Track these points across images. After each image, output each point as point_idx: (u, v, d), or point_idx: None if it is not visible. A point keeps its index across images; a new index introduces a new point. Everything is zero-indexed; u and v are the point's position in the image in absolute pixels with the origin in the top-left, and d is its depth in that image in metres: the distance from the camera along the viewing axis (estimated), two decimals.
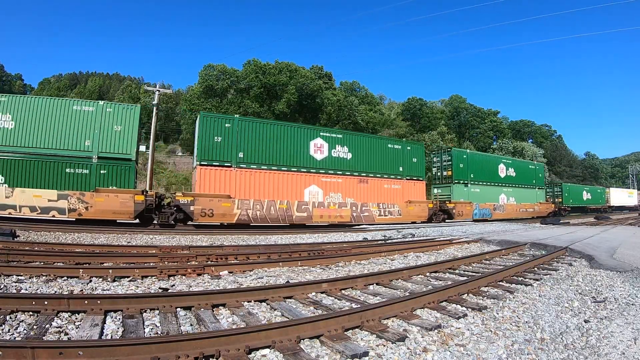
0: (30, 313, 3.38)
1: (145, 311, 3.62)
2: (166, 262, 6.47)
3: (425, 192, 21.57)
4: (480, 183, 24.44)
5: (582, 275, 6.17)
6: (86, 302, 3.54)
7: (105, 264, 6.13)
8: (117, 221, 13.85)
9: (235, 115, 17.72)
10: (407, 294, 4.45)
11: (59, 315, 3.38)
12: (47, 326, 3.10)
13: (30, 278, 4.86)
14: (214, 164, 15.26)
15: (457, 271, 6.54)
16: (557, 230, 15.69)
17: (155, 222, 14.41)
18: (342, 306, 4.14)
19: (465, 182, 23.45)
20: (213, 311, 3.73)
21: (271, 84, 42.13)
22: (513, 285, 5.37)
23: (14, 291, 4.31)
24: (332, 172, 17.61)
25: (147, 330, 3.20)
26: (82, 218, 13.09)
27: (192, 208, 14.30)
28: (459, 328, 3.48)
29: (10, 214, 12.71)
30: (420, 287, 5.20)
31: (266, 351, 2.79)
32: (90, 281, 4.91)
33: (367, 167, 18.68)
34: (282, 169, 16.52)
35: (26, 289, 4.40)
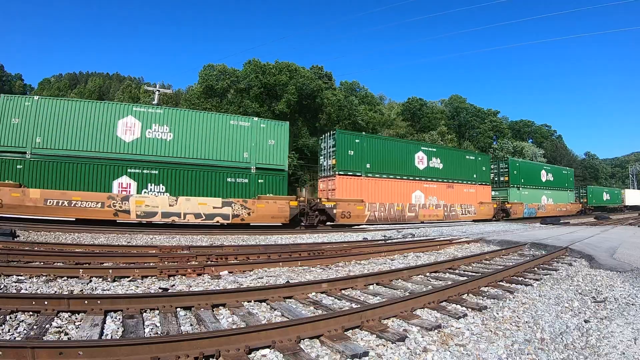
0: (30, 313, 3.38)
1: (145, 311, 3.62)
2: (166, 262, 6.46)
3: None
4: (528, 187, 28.87)
5: (582, 275, 6.18)
6: (86, 302, 3.54)
7: (105, 264, 6.13)
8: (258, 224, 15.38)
9: (362, 133, 22.00)
10: (407, 294, 4.45)
11: (59, 315, 3.38)
12: (47, 326, 3.10)
13: (30, 278, 4.86)
14: (348, 173, 18.11)
15: (457, 271, 6.54)
16: (557, 230, 15.69)
17: (302, 224, 16.56)
18: (342, 306, 4.14)
19: (518, 186, 27.74)
20: (213, 311, 3.73)
21: (271, 84, 42.10)
22: (513, 285, 5.37)
23: (14, 291, 4.31)
24: (430, 179, 21.38)
25: (147, 330, 3.20)
26: (244, 223, 14.85)
27: (335, 211, 16.94)
28: (459, 328, 3.48)
29: (173, 221, 13.84)
30: (420, 287, 5.20)
31: (266, 351, 2.79)
32: (90, 281, 4.91)
33: (452, 175, 22.51)
34: (397, 177, 19.91)
35: (26, 289, 4.40)
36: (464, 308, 4.12)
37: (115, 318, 3.44)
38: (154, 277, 5.34)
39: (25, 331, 3.03)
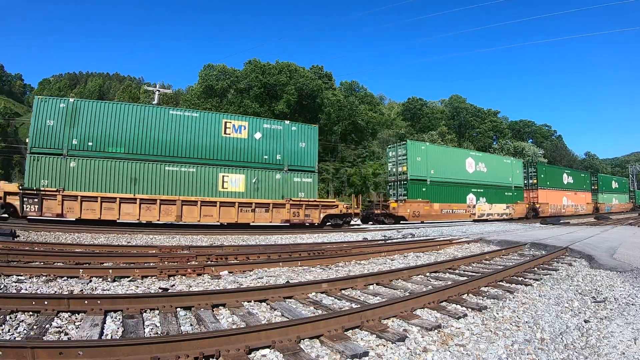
0: (30, 313, 3.38)
1: (145, 311, 3.62)
2: (166, 262, 6.46)
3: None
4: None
5: (582, 275, 6.18)
6: (86, 302, 3.54)
7: (105, 264, 6.13)
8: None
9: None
10: (407, 294, 4.45)
11: (59, 315, 3.38)
12: (47, 326, 3.10)
13: (30, 278, 4.86)
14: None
15: (457, 271, 6.54)
16: (557, 230, 15.69)
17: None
18: (342, 306, 4.14)
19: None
20: (213, 311, 3.72)
21: (271, 84, 42.12)
22: (513, 285, 5.37)
23: (14, 291, 4.31)
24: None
25: (147, 330, 3.20)
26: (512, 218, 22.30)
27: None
28: (459, 328, 3.48)
29: (487, 218, 22.88)
30: (420, 287, 5.20)
31: (266, 351, 2.79)
32: (90, 281, 4.91)
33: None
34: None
35: (26, 289, 4.40)
36: (464, 308, 4.11)
37: (115, 318, 3.44)
38: (154, 277, 5.34)
39: (25, 331, 3.02)
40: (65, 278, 4.94)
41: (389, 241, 11.48)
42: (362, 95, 57.17)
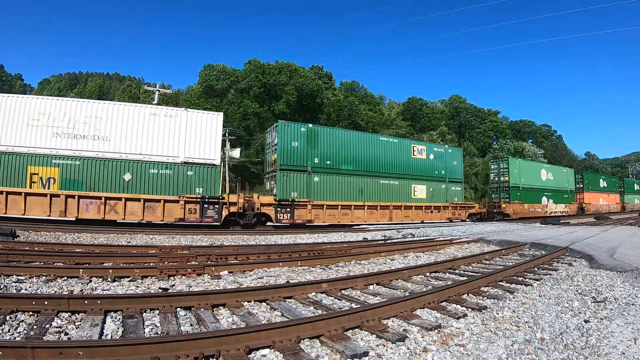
0: (30, 313, 3.38)
1: (145, 311, 3.62)
2: (166, 262, 6.46)
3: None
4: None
5: (582, 275, 6.18)
6: (86, 302, 3.54)
7: (105, 264, 6.13)
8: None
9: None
10: (407, 294, 4.45)
11: (59, 315, 3.38)
12: (47, 326, 3.10)
13: (30, 278, 4.86)
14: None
15: (457, 271, 6.54)
16: (557, 230, 15.69)
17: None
18: (342, 306, 4.14)
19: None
20: (213, 311, 3.72)
21: (271, 84, 42.13)
22: (513, 285, 5.37)
23: (14, 291, 4.31)
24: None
25: (147, 330, 3.20)
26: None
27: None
28: (459, 328, 3.48)
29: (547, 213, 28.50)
30: (420, 287, 5.20)
31: (266, 351, 2.79)
32: (90, 281, 4.91)
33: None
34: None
35: (26, 289, 4.40)
36: (464, 308, 4.12)
37: (115, 318, 3.44)
38: (154, 277, 5.34)
39: (25, 331, 3.02)
40: (65, 278, 4.94)
41: (389, 241, 11.48)
42: (362, 95, 57.18)
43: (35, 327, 3.09)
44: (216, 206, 14.27)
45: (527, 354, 2.93)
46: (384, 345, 3.01)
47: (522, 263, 6.82)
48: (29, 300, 3.49)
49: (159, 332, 3.16)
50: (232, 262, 6.71)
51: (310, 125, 17.75)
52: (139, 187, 13.59)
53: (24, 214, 12.46)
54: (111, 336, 3.06)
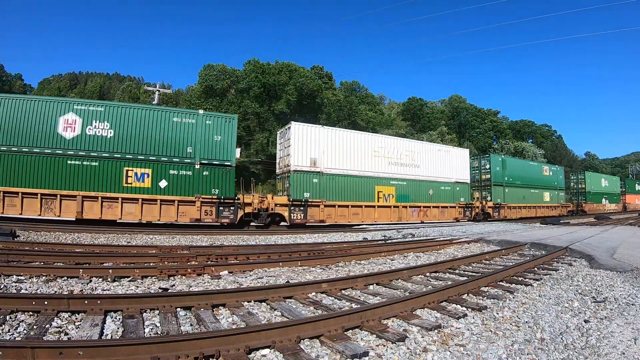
0: (30, 313, 3.38)
1: (145, 311, 3.62)
2: (166, 262, 6.46)
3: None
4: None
5: (582, 275, 6.17)
6: (86, 302, 3.54)
7: (105, 264, 6.13)
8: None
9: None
10: (407, 294, 4.46)
11: (59, 315, 3.38)
12: (47, 326, 3.10)
13: (30, 278, 4.86)
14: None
15: (457, 271, 6.54)
16: (557, 230, 15.69)
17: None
18: (342, 306, 4.14)
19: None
20: (213, 311, 3.73)
21: (271, 84, 42.10)
22: (513, 285, 5.37)
23: (14, 291, 4.31)
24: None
25: (147, 330, 3.20)
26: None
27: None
28: (459, 328, 3.48)
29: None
30: (420, 287, 5.20)
31: (266, 351, 2.79)
32: (90, 281, 4.91)
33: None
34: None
35: (26, 289, 4.41)
36: (464, 308, 4.12)
37: (115, 318, 3.44)
38: (154, 277, 5.34)
39: (25, 331, 3.02)
40: (65, 278, 4.94)
41: (389, 241, 11.48)
42: (362, 95, 57.16)
43: (35, 327, 3.09)
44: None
45: (527, 354, 2.93)
46: (384, 345, 3.01)
47: (522, 263, 6.82)
48: (29, 300, 3.49)
49: (159, 332, 3.16)
50: (232, 262, 6.71)
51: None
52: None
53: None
54: (111, 336, 3.06)
